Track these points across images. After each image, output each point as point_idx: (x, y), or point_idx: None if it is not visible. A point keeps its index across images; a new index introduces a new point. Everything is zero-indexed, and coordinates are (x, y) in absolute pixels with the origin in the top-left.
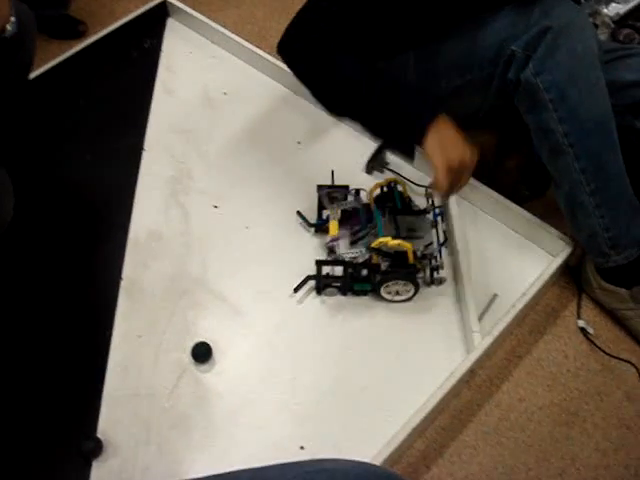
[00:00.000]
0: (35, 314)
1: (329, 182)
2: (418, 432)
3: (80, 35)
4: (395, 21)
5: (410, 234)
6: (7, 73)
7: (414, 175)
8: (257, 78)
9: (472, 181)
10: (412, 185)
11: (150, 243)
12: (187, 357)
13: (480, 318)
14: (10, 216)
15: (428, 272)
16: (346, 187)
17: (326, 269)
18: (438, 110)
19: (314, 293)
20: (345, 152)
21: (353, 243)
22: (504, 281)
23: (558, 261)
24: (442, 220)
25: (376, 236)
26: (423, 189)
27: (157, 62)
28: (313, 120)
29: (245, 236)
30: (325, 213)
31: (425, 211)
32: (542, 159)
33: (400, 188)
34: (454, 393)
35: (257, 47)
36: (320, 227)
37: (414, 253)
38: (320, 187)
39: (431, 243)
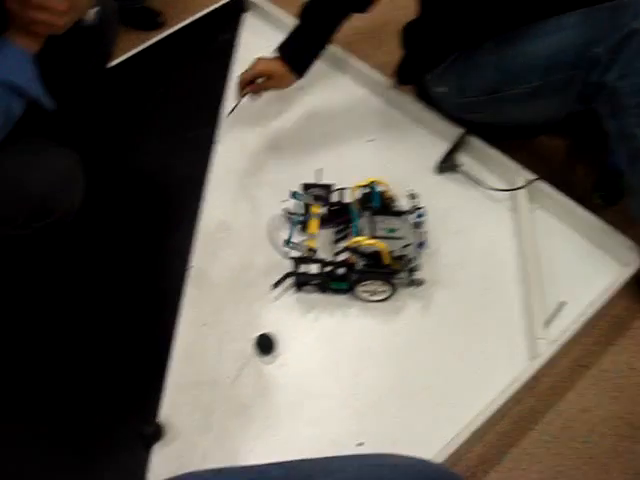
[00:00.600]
0: (104, 299)
1: (397, 182)
2: (478, 436)
3: (158, 26)
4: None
5: (389, 234)
6: (87, 62)
7: (488, 178)
8: (333, 75)
9: (544, 187)
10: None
11: (219, 234)
12: (251, 348)
13: (546, 325)
14: (80, 202)
15: (407, 273)
16: (329, 186)
17: (310, 267)
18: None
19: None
20: (416, 151)
21: (336, 242)
22: (573, 289)
23: (629, 271)
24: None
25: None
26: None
27: (233, 55)
28: (386, 119)
29: None
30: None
31: (407, 212)
32: (620, 166)
33: (380, 188)
34: (516, 399)
35: (334, 45)
36: (304, 224)
37: (390, 253)
38: (306, 185)
39: (410, 244)
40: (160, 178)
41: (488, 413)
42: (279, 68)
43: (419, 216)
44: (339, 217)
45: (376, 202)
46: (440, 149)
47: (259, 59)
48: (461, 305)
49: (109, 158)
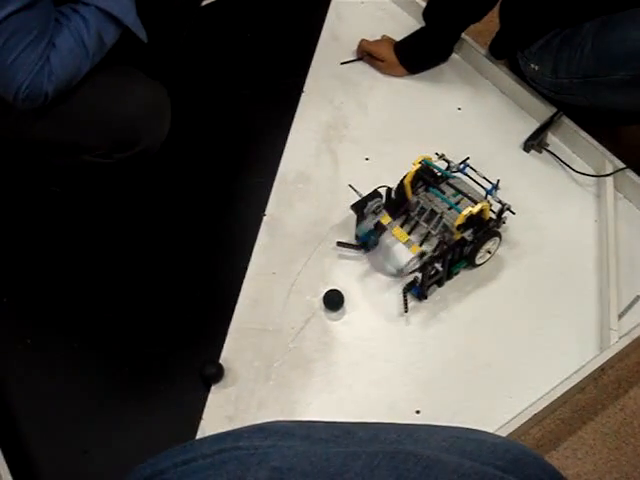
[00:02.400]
0: (178, 236)
1: (481, 154)
2: (538, 419)
3: None
4: None
5: (462, 195)
6: None
7: (575, 161)
8: None
9: (632, 176)
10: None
11: (297, 184)
12: (318, 302)
13: (620, 317)
14: (164, 137)
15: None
16: (377, 193)
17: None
18: None
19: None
20: (504, 125)
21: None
22: None
23: None
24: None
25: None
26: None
27: (327, 8)
28: (476, 87)
29: None
30: (366, 227)
31: (455, 170)
32: None
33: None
34: (580, 388)
35: None
36: (366, 243)
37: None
38: (353, 206)
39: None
40: (244, 123)
41: (550, 398)
42: (395, 61)
43: (465, 167)
44: (399, 210)
45: (438, 170)
46: (529, 126)
47: (383, 41)
48: (534, 287)
49: (195, 97)
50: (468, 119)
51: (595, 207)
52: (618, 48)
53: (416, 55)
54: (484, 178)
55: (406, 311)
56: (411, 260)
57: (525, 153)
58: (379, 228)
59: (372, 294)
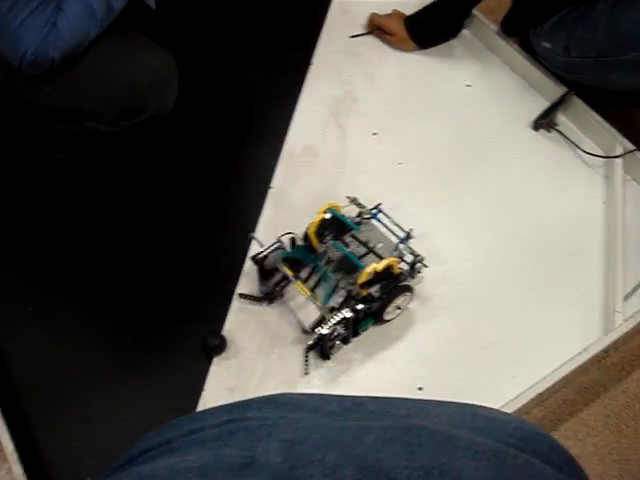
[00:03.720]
0: (182, 209)
1: (493, 133)
2: (540, 399)
3: None
4: None
5: (371, 247)
6: None
7: (584, 141)
8: None
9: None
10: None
11: (304, 157)
12: None
13: (625, 299)
14: (171, 106)
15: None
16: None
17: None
18: None
19: None
20: (513, 103)
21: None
22: None
23: None
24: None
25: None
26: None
27: None
28: (486, 63)
29: (398, 170)
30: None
31: (366, 217)
32: None
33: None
34: (583, 369)
35: None
36: (269, 296)
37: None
38: (253, 258)
39: (397, 242)
40: (251, 93)
41: (553, 379)
42: (405, 36)
43: (377, 213)
44: (300, 264)
45: (344, 221)
46: (538, 105)
47: (394, 15)
48: (540, 266)
49: (203, 67)
50: (477, 96)
51: (603, 189)
52: (632, 28)
53: (426, 30)
54: (397, 226)
55: (306, 373)
56: (315, 320)
57: (534, 132)
58: (283, 280)
59: None
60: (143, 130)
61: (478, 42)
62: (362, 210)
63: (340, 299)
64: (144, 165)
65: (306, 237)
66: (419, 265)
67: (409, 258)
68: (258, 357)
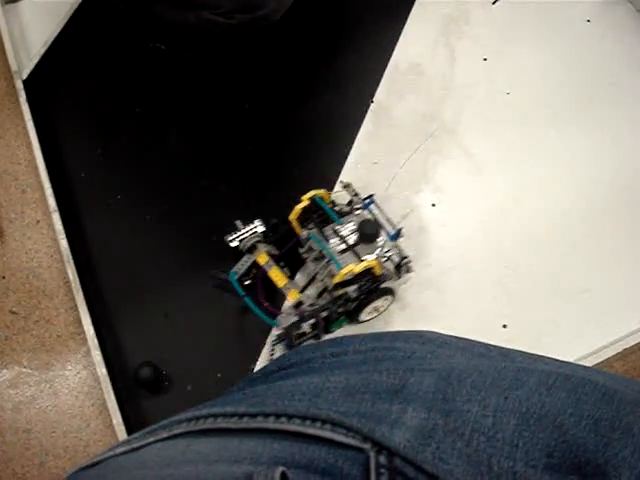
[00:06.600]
0: (280, 114)
1: (609, 75)
2: (624, 354)
3: None
4: None
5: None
6: None
7: None
8: None
9: None
10: None
11: (409, 75)
12: (418, 199)
13: None
14: (289, 4)
15: (394, 270)
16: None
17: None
18: None
19: None
20: (635, 43)
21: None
22: None
23: None
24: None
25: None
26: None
27: None
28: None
29: (506, 100)
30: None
31: (356, 208)
32: None
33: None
34: None
35: None
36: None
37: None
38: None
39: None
40: (361, 3)
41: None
42: None
43: (369, 203)
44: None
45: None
46: None
47: None
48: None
49: None
50: (595, 33)
51: None
52: None
53: None
54: (387, 220)
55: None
56: (285, 311)
57: None
58: (256, 267)
59: (472, 200)
60: (256, 26)
61: None
62: (353, 198)
63: (315, 292)
64: (244, 66)
65: (289, 222)
66: (405, 267)
67: (396, 258)
68: None
